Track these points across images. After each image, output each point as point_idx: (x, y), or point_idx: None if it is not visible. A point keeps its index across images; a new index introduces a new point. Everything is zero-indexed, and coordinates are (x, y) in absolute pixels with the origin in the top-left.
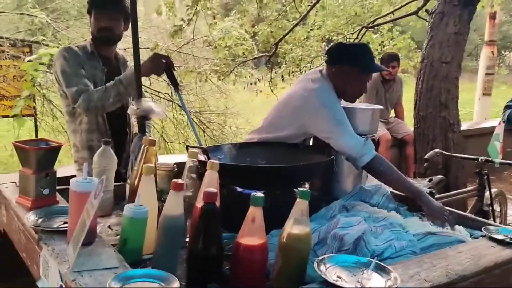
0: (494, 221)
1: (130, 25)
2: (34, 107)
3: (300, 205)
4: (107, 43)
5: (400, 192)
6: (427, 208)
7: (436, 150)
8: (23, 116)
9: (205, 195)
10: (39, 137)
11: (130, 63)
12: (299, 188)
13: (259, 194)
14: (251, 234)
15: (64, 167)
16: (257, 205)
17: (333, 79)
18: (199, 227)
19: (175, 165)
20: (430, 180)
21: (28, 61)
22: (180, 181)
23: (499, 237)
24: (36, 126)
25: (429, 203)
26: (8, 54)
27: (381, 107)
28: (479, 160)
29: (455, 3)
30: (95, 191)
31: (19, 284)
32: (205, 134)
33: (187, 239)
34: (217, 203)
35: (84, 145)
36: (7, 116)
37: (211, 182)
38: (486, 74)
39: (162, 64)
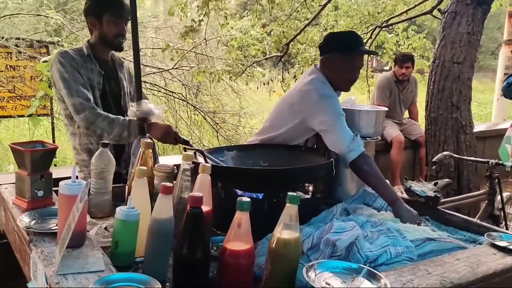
0: (506, 225)
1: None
2: (51, 108)
3: (289, 210)
4: (119, 49)
5: (378, 193)
6: (396, 214)
7: (445, 152)
8: (39, 115)
9: (190, 199)
10: (56, 137)
11: (128, 64)
12: (288, 193)
13: (246, 199)
14: (237, 239)
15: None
16: (243, 210)
17: (324, 69)
18: (184, 231)
19: (174, 167)
20: (435, 184)
21: (44, 61)
22: (168, 184)
23: (502, 243)
24: (52, 126)
25: (402, 211)
26: (25, 55)
27: (386, 108)
28: (490, 163)
29: (468, 2)
30: (80, 194)
31: (16, 284)
32: (218, 134)
33: None
34: (207, 208)
35: (83, 147)
36: (23, 116)
37: (202, 186)
38: (505, 74)
39: (171, 139)
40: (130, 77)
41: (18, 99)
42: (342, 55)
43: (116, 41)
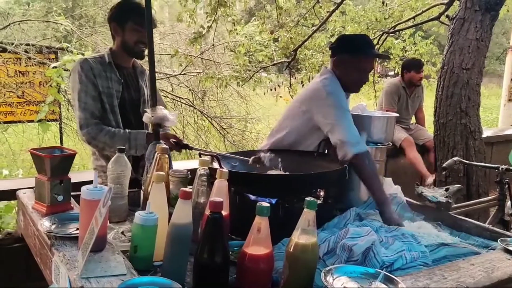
0: None
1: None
2: (60, 113)
3: (307, 215)
4: (140, 57)
5: (369, 191)
6: (383, 218)
7: (455, 158)
8: (48, 121)
9: (211, 204)
10: (64, 142)
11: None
12: (306, 198)
13: (265, 204)
14: (256, 243)
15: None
16: (263, 215)
17: (335, 70)
18: (204, 236)
19: (188, 172)
20: (447, 190)
21: (53, 67)
22: (188, 189)
23: None
24: (61, 131)
25: (387, 213)
26: (34, 61)
27: (397, 114)
28: (500, 169)
29: (477, 8)
30: (103, 200)
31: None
32: (225, 139)
33: None
34: (225, 212)
35: (102, 154)
36: (32, 121)
37: (220, 191)
38: None
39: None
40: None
41: (27, 104)
42: (352, 56)
43: (136, 48)
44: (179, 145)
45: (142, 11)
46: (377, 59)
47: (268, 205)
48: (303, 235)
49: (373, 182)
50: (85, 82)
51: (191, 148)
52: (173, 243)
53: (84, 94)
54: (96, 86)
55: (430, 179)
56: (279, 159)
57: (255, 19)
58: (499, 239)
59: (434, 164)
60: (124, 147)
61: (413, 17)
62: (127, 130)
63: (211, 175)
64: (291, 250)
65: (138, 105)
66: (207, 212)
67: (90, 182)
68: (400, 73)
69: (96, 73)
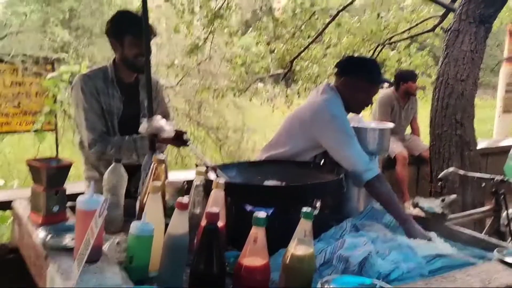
0: None
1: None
2: (56, 123)
3: (304, 226)
4: (141, 71)
5: (390, 213)
6: (407, 235)
7: (451, 169)
8: (44, 131)
9: (207, 215)
10: (60, 152)
11: (155, 81)
12: (303, 208)
13: (262, 214)
14: (253, 254)
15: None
16: (259, 225)
17: (340, 90)
18: (200, 247)
19: (184, 182)
20: (443, 200)
21: (50, 78)
22: (184, 200)
23: (511, 260)
24: (57, 141)
25: (410, 230)
26: (31, 71)
27: (392, 125)
28: (495, 179)
29: (471, 20)
30: (99, 210)
31: None
32: (221, 150)
33: None
34: (221, 223)
35: (95, 165)
36: (28, 131)
37: (216, 201)
38: (507, 91)
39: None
40: (154, 92)
41: (23, 114)
42: (366, 81)
43: (137, 62)
44: (179, 140)
45: (139, 23)
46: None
47: (265, 215)
48: (299, 246)
49: (391, 203)
50: (90, 101)
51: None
52: (169, 253)
53: (90, 112)
54: (99, 102)
55: (407, 204)
56: (276, 170)
57: (251, 30)
58: (495, 250)
59: (430, 175)
60: (121, 158)
61: (408, 29)
62: (131, 138)
63: (208, 186)
64: (288, 261)
65: (138, 120)
66: (203, 223)
67: (83, 193)
68: (394, 84)
69: (100, 90)
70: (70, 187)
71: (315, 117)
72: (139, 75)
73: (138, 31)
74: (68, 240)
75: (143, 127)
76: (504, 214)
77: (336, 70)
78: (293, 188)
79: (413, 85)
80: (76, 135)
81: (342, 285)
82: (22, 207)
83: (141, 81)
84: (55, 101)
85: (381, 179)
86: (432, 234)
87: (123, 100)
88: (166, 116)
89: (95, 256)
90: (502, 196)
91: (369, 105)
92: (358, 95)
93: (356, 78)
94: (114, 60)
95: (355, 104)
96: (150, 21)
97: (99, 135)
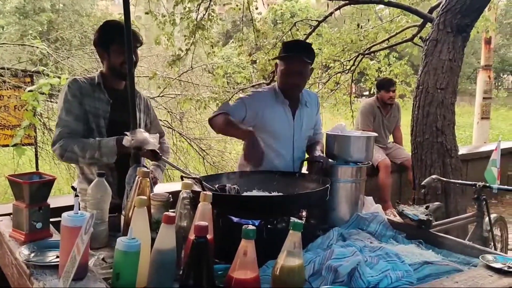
0: (495, 247)
1: None
2: (35, 137)
3: (293, 237)
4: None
5: (230, 136)
6: (246, 148)
7: (433, 176)
8: (23, 145)
9: (196, 228)
10: (39, 166)
11: (142, 93)
12: (291, 219)
13: (251, 227)
14: (243, 267)
15: (65, 196)
16: (248, 238)
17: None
18: (190, 261)
19: (170, 195)
20: (427, 207)
21: (29, 91)
22: (171, 214)
23: (497, 265)
24: (36, 155)
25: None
26: (9, 85)
27: (376, 134)
28: (477, 185)
29: (449, 30)
30: (85, 226)
31: None
32: (205, 160)
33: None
34: (209, 236)
35: (86, 177)
36: (7, 146)
37: (204, 214)
38: (484, 98)
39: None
40: (147, 108)
41: (1, 128)
42: (279, 60)
43: (123, 69)
44: (155, 156)
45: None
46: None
47: (254, 228)
48: (289, 258)
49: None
50: (71, 101)
51: (164, 160)
52: (157, 269)
53: (66, 112)
54: (82, 105)
55: (389, 212)
56: (261, 180)
57: (232, 41)
58: (480, 256)
59: (413, 182)
60: (103, 172)
61: (387, 39)
62: (97, 139)
63: (194, 198)
64: (278, 273)
65: (128, 128)
66: (192, 236)
67: (68, 207)
68: (375, 93)
69: (84, 93)
70: (54, 201)
71: None
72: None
73: (124, 40)
74: (52, 257)
75: (127, 140)
76: (486, 219)
77: None
78: (279, 198)
79: (385, 94)
80: None
81: None
82: (4, 224)
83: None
84: (34, 114)
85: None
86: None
87: (111, 103)
88: (161, 133)
89: (81, 273)
90: (484, 202)
91: (294, 85)
92: (280, 78)
93: (276, 61)
94: (101, 71)
95: (282, 87)
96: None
97: (67, 133)
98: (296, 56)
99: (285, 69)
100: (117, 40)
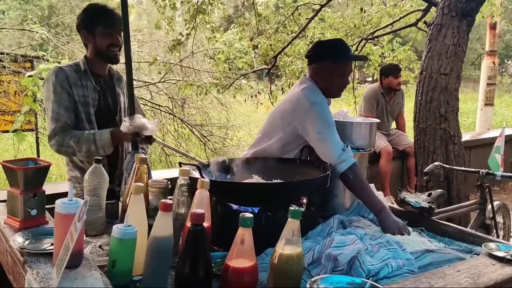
0: (497, 234)
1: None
2: (36, 122)
3: (291, 225)
4: (115, 61)
5: (364, 203)
6: (382, 224)
7: (436, 163)
8: (23, 131)
9: (192, 216)
10: (41, 152)
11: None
12: (290, 207)
13: (248, 214)
14: (240, 256)
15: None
16: (246, 226)
17: (314, 77)
18: (186, 249)
19: (168, 182)
20: (429, 195)
21: (29, 76)
22: (168, 201)
23: (500, 254)
24: (37, 141)
25: (385, 219)
26: (9, 70)
27: (378, 120)
28: (480, 173)
29: (453, 14)
30: (79, 213)
31: None
32: (206, 147)
33: None
34: (207, 224)
35: (76, 165)
36: (7, 131)
37: (201, 202)
38: (488, 84)
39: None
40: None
41: (1, 114)
42: (333, 62)
43: (110, 52)
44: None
45: (110, 14)
46: (356, 62)
47: (252, 216)
48: (287, 246)
49: (364, 192)
50: (60, 92)
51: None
52: (154, 257)
53: (57, 104)
54: (71, 95)
55: (387, 198)
56: (261, 167)
57: (234, 26)
58: (483, 244)
59: (415, 169)
60: (101, 158)
61: (391, 24)
62: (91, 131)
63: (192, 185)
64: (276, 261)
65: (115, 113)
66: (188, 224)
67: (67, 194)
68: (378, 79)
69: (72, 82)
70: (52, 187)
71: (295, 106)
72: (111, 69)
73: (109, 22)
74: (47, 244)
75: (125, 126)
76: (489, 207)
77: (307, 61)
78: (279, 185)
79: (394, 80)
80: None
81: (331, 285)
82: None
83: (114, 75)
84: (34, 100)
85: (355, 168)
86: (412, 230)
87: (99, 91)
88: (142, 115)
89: (75, 261)
90: (487, 189)
91: (345, 86)
92: (330, 78)
93: (323, 62)
94: (85, 56)
95: (331, 89)
96: (131, 18)
97: (61, 127)
98: (351, 57)
99: (343, 71)
100: (102, 22)
